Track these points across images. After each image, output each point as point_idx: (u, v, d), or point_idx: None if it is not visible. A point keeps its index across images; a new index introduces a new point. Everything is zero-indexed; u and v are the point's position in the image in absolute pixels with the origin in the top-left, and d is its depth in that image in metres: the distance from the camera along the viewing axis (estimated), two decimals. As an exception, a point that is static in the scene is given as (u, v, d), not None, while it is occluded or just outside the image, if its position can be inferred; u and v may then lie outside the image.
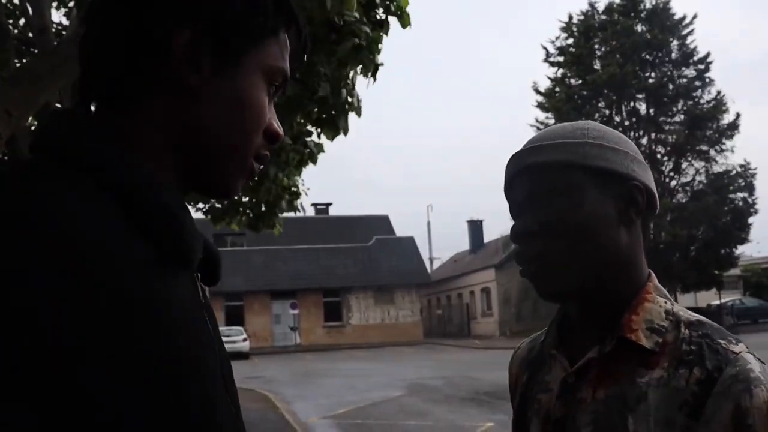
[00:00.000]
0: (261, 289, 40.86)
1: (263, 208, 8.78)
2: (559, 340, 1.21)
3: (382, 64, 6.02)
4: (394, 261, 43.90)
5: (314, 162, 7.89)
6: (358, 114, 6.51)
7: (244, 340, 34.06)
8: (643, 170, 1.16)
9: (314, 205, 49.93)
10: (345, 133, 6.55)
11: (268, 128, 0.90)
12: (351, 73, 6.18)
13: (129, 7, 0.82)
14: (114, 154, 0.76)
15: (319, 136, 7.24)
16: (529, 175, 1.15)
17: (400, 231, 49.77)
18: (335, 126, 6.49)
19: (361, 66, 5.93)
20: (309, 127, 7.39)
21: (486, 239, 52.05)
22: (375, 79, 6.07)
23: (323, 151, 7.87)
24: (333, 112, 6.42)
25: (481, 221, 53.95)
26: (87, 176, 0.73)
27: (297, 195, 8.93)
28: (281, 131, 0.92)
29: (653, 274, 1.18)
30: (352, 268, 43.08)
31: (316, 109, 6.41)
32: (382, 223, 48.71)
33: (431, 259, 59.71)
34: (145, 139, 0.82)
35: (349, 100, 6.34)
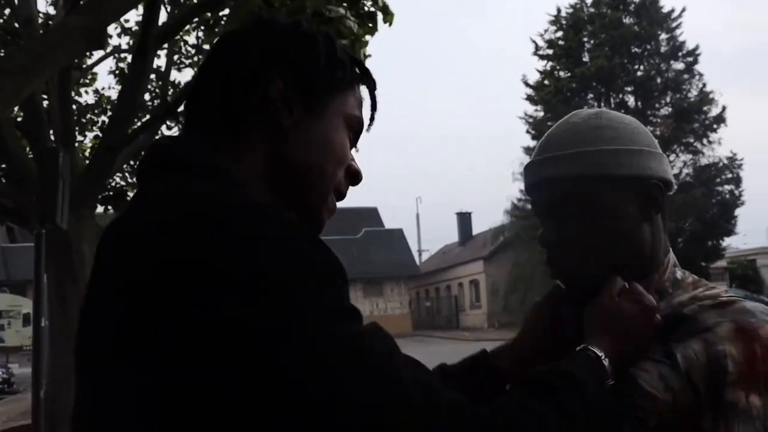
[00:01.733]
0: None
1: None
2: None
3: (370, 56, 6.02)
4: (383, 253, 43.93)
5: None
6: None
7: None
8: (659, 162, 1.20)
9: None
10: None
11: (349, 167, 1.03)
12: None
13: (236, 60, 0.99)
14: (242, 176, 0.92)
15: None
16: (547, 188, 1.19)
17: (389, 223, 49.92)
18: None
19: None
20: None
21: (475, 231, 52.07)
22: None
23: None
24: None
25: (469, 213, 53.98)
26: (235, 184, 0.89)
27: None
28: (359, 168, 1.05)
29: (671, 258, 1.22)
30: (342, 260, 42.80)
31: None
32: (371, 215, 48.67)
33: (420, 252, 59.77)
34: (246, 167, 0.95)
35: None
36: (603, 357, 1.03)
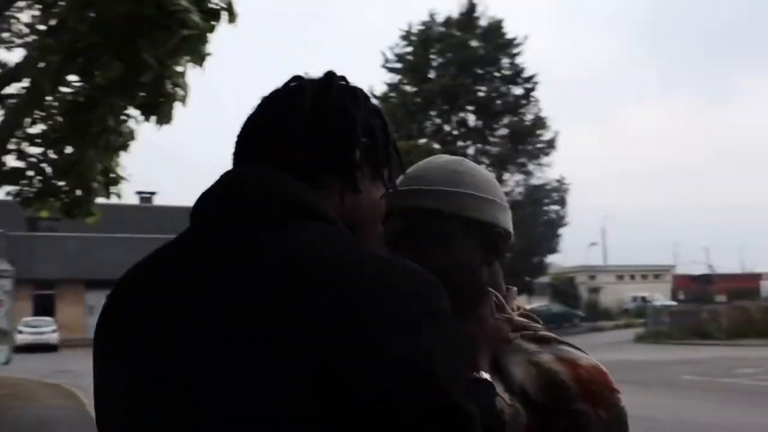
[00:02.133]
0: (75, 278, 38.78)
1: (78, 193, 8.27)
2: None
3: (210, 54, 5.90)
4: (219, 254, 43.08)
5: (125, 149, 7.58)
6: (183, 103, 6.32)
7: (54, 331, 32.46)
8: (506, 215, 1.35)
9: (139, 193, 48.08)
10: (168, 121, 6.34)
11: (379, 230, 1.21)
12: (180, 63, 6.00)
13: (333, 123, 1.10)
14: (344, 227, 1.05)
15: (145, 120, 6.94)
16: (406, 215, 1.30)
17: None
18: (159, 112, 6.26)
19: (190, 56, 5.79)
20: (130, 112, 7.08)
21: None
22: (204, 69, 5.98)
23: (134, 138, 7.57)
24: (161, 99, 6.19)
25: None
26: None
27: (116, 181, 8.50)
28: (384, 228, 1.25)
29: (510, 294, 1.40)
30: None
31: (142, 94, 6.15)
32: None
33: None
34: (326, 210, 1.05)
35: (175, 89, 6.13)
36: (483, 375, 1.19)
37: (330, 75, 1.17)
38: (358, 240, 1.06)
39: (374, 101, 1.21)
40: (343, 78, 1.18)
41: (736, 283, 61.34)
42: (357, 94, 1.16)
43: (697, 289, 60.33)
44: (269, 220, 0.99)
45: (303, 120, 1.10)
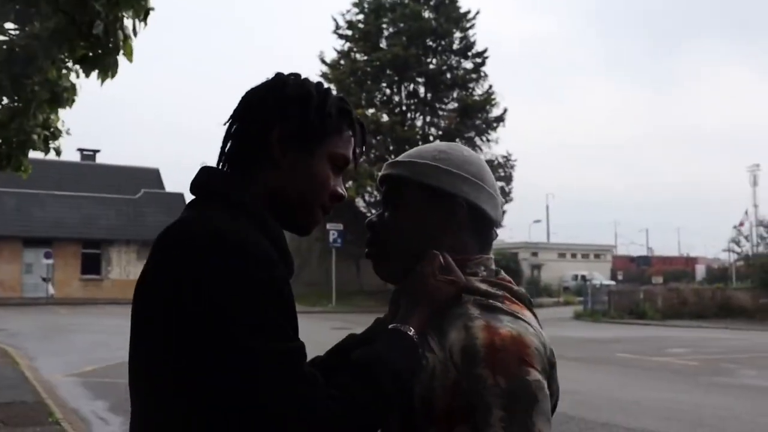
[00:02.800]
0: (12, 235, 37.76)
1: (14, 146, 7.98)
2: (392, 314, 1.47)
3: (153, 9, 5.72)
4: (162, 216, 42.40)
5: (70, 105, 7.32)
6: (130, 58, 6.11)
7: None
8: (475, 190, 1.45)
9: (81, 150, 46.91)
10: (111, 77, 6.13)
11: (333, 192, 1.41)
12: (124, 16, 5.80)
13: (248, 115, 1.39)
14: (254, 202, 1.33)
15: (85, 76, 6.71)
16: (384, 182, 1.51)
17: (171, 186, 48.26)
18: (102, 66, 6.04)
19: (132, 9, 5.60)
20: (70, 65, 6.82)
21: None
22: (146, 24, 5.79)
23: (75, 93, 7.31)
24: (100, 52, 5.97)
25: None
26: (243, 214, 1.29)
27: (54, 136, 8.22)
28: (344, 193, 1.45)
29: (482, 260, 1.47)
30: (116, 220, 41.13)
31: (82, 45, 5.93)
32: (151, 176, 46.90)
33: (201, 219, 58.36)
34: (254, 190, 1.35)
35: (119, 42, 5.92)
36: (409, 330, 1.34)
37: (275, 76, 1.44)
38: (287, 209, 1.37)
39: (301, 86, 1.40)
40: (291, 75, 1.43)
41: (673, 265, 62.99)
42: (277, 85, 1.40)
43: (635, 269, 61.88)
44: (188, 205, 1.38)
45: (231, 121, 1.42)
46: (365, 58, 36.93)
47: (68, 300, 37.08)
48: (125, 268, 41.34)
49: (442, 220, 1.45)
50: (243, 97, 1.42)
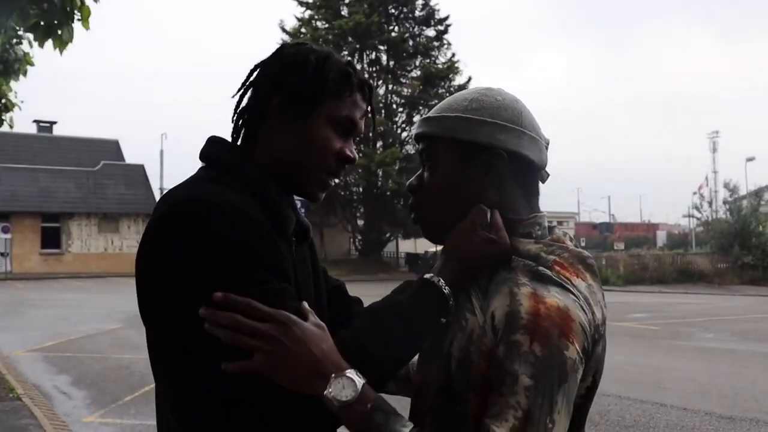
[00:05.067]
0: (-33, 209, 36.98)
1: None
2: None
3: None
4: (122, 188, 41.93)
5: (24, 75, 7.12)
6: (86, 25, 5.93)
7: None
8: (513, 137, 1.35)
9: (36, 122, 45.92)
10: (64, 46, 5.94)
11: (340, 153, 1.41)
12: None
13: (250, 87, 1.45)
14: (251, 168, 1.37)
15: (39, 45, 6.51)
16: (418, 141, 1.44)
17: (132, 158, 47.52)
18: (56, 34, 5.85)
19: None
20: (21, 33, 6.62)
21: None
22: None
23: (31, 64, 7.11)
24: (55, 21, 5.78)
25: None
26: (237, 180, 1.33)
27: (7, 108, 8.01)
28: (354, 156, 1.44)
29: (536, 219, 1.38)
30: (75, 193, 40.47)
31: (34, 11, 5.73)
32: (111, 147, 46.11)
33: (162, 190, 57.75)
34: (260, 159, 1.40)
35: (73, 10, 5.73)
36: (439, 280, 1.33)
37: (278, 47, 1.49)
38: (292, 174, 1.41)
39: (297, 54, 1.42)
40: (294, 44, 1.47)
41: (634, 231, 63.96)
42: (277, 55, 1.45)
43: (597, 236, 62.67)
44: (194, 173, 1.42)
45: (237, 94, 1.47)
46: (326, 25, 36.55)
47: (27, 275, 36.51)
48: (86, 241, 40.78)
49: (482, 176, 1.36)
50: (249, 71, 1.47)
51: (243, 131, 1.45)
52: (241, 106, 1.46)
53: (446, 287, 1.32)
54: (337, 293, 1.60)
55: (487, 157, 1.35)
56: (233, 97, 1.48)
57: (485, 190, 1.36)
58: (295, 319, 1.18)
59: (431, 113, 1.43)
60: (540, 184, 1.43)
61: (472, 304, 1.30)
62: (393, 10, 36.80)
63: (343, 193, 36.50)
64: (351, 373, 1.16)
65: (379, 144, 37.47)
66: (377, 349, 1.26)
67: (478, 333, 1.25)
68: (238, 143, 1.45)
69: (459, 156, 1.37)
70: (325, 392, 1.15)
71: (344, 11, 36.65)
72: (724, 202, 36.89)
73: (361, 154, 35.98)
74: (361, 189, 37.51)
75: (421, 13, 37.48)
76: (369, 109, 1.47)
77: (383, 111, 36.77)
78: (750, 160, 51.89)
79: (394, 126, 37.33)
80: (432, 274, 1.35)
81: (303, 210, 34.73)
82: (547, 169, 1.43)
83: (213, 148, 1.42)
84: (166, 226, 1.26)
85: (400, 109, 38.05)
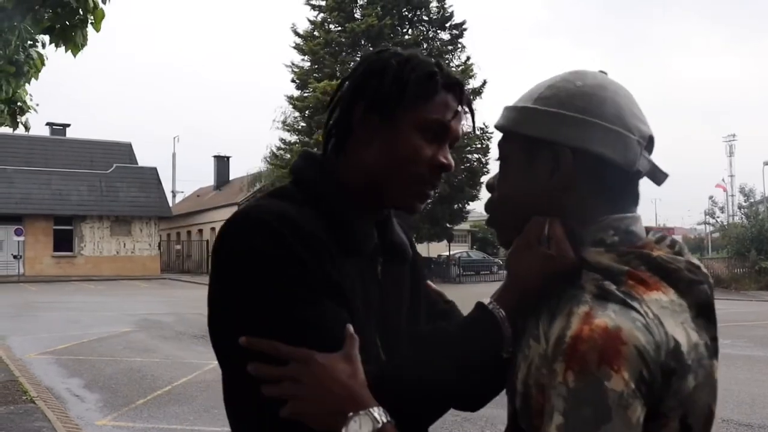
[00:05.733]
0: (-20, 211, 37.12)
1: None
2: None
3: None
4: (134, 191, 42.04)
5: (35, 77, 7.09)
6: (98, 27, 5.90)
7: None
8: (583, 130, 1.14)
9: (50, 124, 46.12)
10: (81, 47, 5.92)
11: (433, 160, 1.31)
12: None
13: (340, 95, 1.38)
14: (326, 186, 1.32)
15: (54, 46, 6.48)
16: (500, 134, 1.28)
17: (144, 161, 47.64)
18: (70, 37, 5.82)
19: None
20: (42, 38, 6.59)
21: (232, 176, 51.39)
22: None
23: (44, 64, 7.08)
24: (68, 23, 5.76)
25: (228, 157, 53.20)
26: (309, 195, 1.31)
27: (22, 111, 8.00)
28: (448, 162, 1.34)
29: (610, 222, 1.16)
30: (88, 196, 40.56)
31: (48, 15, 5.71)
32: (123, 150, 46.22)
33: (174, 193, 58.12)
34: (348, 173, 1.34)
35: (86, 14, 5.70)
36: (495, 306, 1.21)
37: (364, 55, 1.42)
38: (376, 189, 1.32)
39: (378, 59, 1.35)
40: (381, 51, 1.38)
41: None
42: (361, 63, 1.38)
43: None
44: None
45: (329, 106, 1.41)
46: (339, 28, 36.50)
47: (40, 278, 36.64)
48: (98, 244, 40.89)
49: (548, 177, 1.17)
50: (337, 85, 1.42)
51: (333, 147, 1.38)
52: (329, 123, 1.39)
53: (501, 311, 1.20)
54: (442, 317, 1.49)
55: (553, 155, 1.16)
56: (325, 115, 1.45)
57: (552, 194, 1.18)
58: (314, 355, 1.12)
59: (516, 101, 1.27)
60: (633, 188, 1.21)
61: (538, 330, 1.11)
62: (407, 13, 36.69)
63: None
64: (372, 411, 1.09)
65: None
66: (418, 385, 1.18)
67: (536, 363, 1.09)
68: (319, 155, 1.42)
69: (524, 154, 1.20)
70: (342, 430, 1.08)
71: (357, 14, 36.58)
72: (739, 207, 36.62)
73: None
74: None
75: (435, 16, 37.37)
76: (464, 109, 1.36)
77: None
78: (767, 164, 51.46)
79: (407, 129, 37.19)
80: (489, 299, 1.24)
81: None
82: (663, 168, 1.21)
83: (300, 164, 1.39)
84: (216, 241, 1.26)
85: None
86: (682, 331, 1.04)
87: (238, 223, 1.24)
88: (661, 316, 1.03)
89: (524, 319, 1.18)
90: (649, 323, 1.01)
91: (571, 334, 1.00)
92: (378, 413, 1.09)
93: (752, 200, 35.99)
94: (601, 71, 1.23)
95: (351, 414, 1.09)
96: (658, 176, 1.21)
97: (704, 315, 1.09)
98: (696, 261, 1.14)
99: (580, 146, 1.15)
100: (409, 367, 1.19)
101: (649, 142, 1.19)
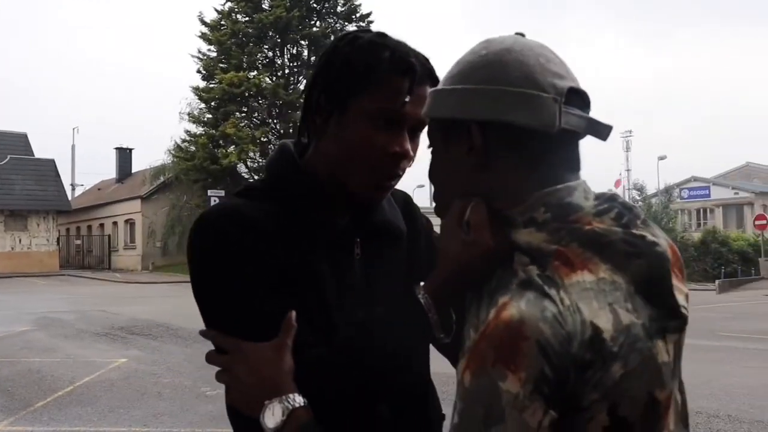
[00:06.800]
0: None
1: None
2: None
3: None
4: (31, 184, 40.30)
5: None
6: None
7: None
8: (489, 101, 1.04)
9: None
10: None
11: (385, 151, 1.26)
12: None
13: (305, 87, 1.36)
14: (290, 177, 1.32)
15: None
16: None
17: (41, 152, 45.72)
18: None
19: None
20: None
21: (135, 169, 50.00)
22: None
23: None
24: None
25: (130, 149, 51.72)
26: (271, 189, 1.33)
27: None
28: (403, 150, 1.27)
29: (542, 198, 1.04)
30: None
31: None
32: (19, 140, 44.21)
33: (74, 186, 56.17)
34: (314, 164, 1.33)
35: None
36: (423, 294, 1.16)
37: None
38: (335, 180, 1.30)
39: (331, 45, 1.32)
40: (344, 33, 1.34)
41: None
42: (325, 50, 1.33)
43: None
44: None
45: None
46: (246, 19, 35.94)
47: (-72, 274, 34.66)
48: (-8, 238, 39.03)
49: (465, 158, 1.07)
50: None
51: (301, 132, 1.39)
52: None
53: (427, 297, 1.16)
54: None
55: (463, 135, 1.07)
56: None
57: (471, 175, 1.08)
58: (240, 345, 1.18)
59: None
60: (562, 153, 1.07)
61: (477, 319, 0.99)
62: (315, 5, 36.44)
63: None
64: (287, 398, 1.12)
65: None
66: (359, 366, 1.18)
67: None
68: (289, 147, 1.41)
69: (441, 138, 1.12)
70: (259, 418, 1.12)
71: (265, 4, 36.09)
72: (635, 201, 38.07)
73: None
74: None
75: (342, 9, 37.26)
76: (423, 92, 1.25)
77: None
78: (662, 158, 53.59)
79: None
80: (421, 284, 1.19)
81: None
82: (598, 118, 1.08)
83: (273, 157, 1.40)
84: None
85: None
86: (608, 314, 0.93)
87: (193, 224, 1.27)
88: (581, 300, 0.93)
89: (463, 305, 1.11)
90: (563, 312, 0.91)
91: (480, 331, 0.93)
92: (291, 399, 1.11)
93: (645, 195, 37.46)
94: (518, 33, 1.12)
95: (266, 402, 1.12)
96: (600, 130, 1.08)
97: (644, 291, 0.98)
98: (645, 232, 1.02)
99: (489, 118, 1.04)
100: (348, 350, 1.18)
101: (574, 97, 1.06)
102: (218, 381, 1.21)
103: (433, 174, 1.16)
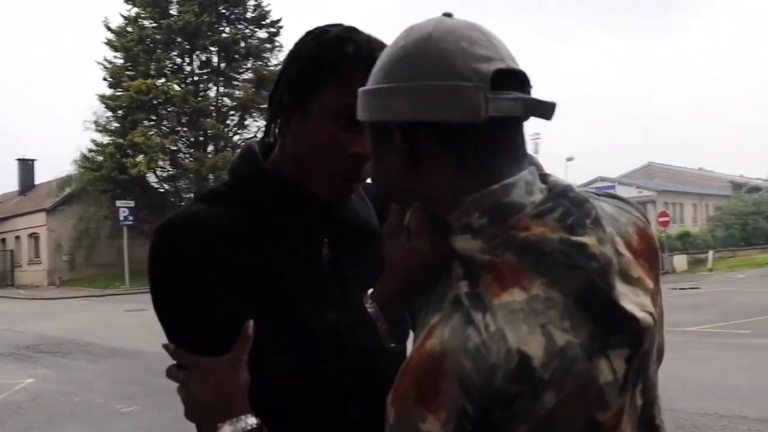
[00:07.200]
0: None
1: None
2: None
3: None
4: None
5: None
6: None
7: None
8: (410, 100, 0.94)
9: None
10: None
11: (346, 150, 1.21)
12: None
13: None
14: (253, 180, 1.29)
15: None
16: None
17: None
18: None
19: None
20: None
21: (38, 181, 48.19)
22: None
23: None
24: None
25: (33, 161, 49.85)
26: (232, 190, 1.31)
27: None
28: (363, 151, 1.18)
29: (481, 201, 0.93)
30: None
31: None
32: None
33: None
34: (279, 165, 1.30)
35: None
36: (369, 303, 1.14)
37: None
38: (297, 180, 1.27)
39: (298, 42, 1.28)
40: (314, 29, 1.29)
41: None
42: (292, 47, 1.29)
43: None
44: None
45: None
46: (154, 24, 35.18)
47: None
48: None
49: (394, 162, 0.99)
50: None
51: (264, 134, 1.37)
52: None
53: (374, 305, 1.14)
54: None
55: (389, 138, 0.98)
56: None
57: (403, 179, 0.99)
58: (198, 361, 1.16)
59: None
60: (497, 148, 0.96)
61: (426, 325, 0.93)
62: (224, 11, 35.98)
63: (173, 199, 35.19)
64: (237, 420, 1.11)
65: (210, 148, 36.48)
66: (315, 374, 1.17)
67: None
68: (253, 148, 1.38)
69: (373, 143, 1.03)
70: None
71: (173, 10, 35.40)
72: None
73: (191, 159, 34.91)
74: (192, 195, 36.41)
75: (252, 15, 36.91)
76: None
77: (214, 114, 35.84)
78: (569, 159, 54.98)
79: (226, 129, 36.52)
80: (370, 292, 1.16)
81: (131, 218, 33.42)
82: (535, 95, 0.98)
83: (235, 161, 1.36)
84: None
85: (232, 112, 37.30)
86: (539, 337, 0.85)
87: (151, 236, 1.25)
88: (509, 325, 0.85)
89: (411, 312, 1.08)
90: (487, 341, 0.84)
91: (406, 361, 0.89)
92: (243, 422, 1.10)
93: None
94: (445, 14, 1.01)
95: (219, 425, 1.11)
96: (541, 109, 0.97)
97: (585, 305, 0.88)
98: (588, 238, 0.92)
99: (409, 119, 0.95)
100: (314, 352, 1.17)
101: (508, 78, 0.95)
102: (179, 395, 1.18)
103: (373, 179, 1.11)
